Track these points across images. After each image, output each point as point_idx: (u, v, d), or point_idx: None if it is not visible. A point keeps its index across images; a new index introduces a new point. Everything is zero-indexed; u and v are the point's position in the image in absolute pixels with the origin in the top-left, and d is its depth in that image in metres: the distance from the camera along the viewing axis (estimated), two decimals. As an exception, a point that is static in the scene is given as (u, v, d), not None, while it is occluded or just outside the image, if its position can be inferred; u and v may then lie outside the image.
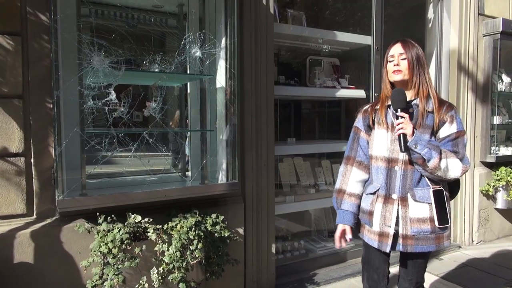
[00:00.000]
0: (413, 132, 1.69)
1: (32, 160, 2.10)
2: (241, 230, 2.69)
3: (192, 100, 2.73)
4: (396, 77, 1.80)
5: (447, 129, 1.74)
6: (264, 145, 2.82)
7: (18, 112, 2.06)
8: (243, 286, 2.75)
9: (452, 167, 1.70)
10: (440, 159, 1.67)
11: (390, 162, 1.79)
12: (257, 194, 2.81)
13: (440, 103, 1.78)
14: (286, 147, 3.29)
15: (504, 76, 4.21)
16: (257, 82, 2.77)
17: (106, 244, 1.98)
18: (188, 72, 2.59)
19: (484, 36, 3.97)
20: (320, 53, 3.78)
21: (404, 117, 1.71)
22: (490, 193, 3.96)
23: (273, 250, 2.91)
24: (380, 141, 1.82)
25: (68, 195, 2.03)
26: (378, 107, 1.87)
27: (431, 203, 1.74)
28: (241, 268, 2.70)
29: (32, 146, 2.09)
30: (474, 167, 3.97)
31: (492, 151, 4.02)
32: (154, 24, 2.54)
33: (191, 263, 2.12)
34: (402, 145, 1.70)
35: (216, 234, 2.32)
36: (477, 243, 4.00)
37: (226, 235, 2.35)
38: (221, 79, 2.56)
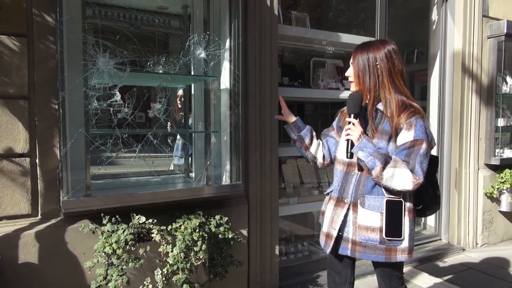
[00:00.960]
0: (359, 138, 1.64)
1: (37, 161, 2.10)
2: (244, 232, 2.69)
3: (196, 101, 2.73)
4: (351, 88, 1.79)
5: (404, 137, 1.62)
6: (267, 147, 2.82)
7: (24, 113, 2.07)
8: (246, 287, 2.75)
9: (399, 178, 1.57)
10: (383, 168, 1.57)
11: (349, 166, 1.77)
12: (260, 196, 2.81)
13: (401, 109, 1.65)
14: (289, 148, 3.28)
15: (508, 78, 4.19)
16: (261, 83, 2.77)
17: (111, 244, 1.98)
18: (193, 73, 2.59)
19: (488, 38, 3.95)
20: (323, 54, 3.78)
21: (353, 123, 1.67)
22: (495, 196, 3.94)
23: (277, 252, 2.90)
24: (342, 144, 1.81)
25: (73, 195, 2.04)
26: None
27: (383, 213, 1.66)
28: (244, 269, 2.70)
29: (37, 147, 2.10)
30: (479, 169, 3.95)
31: (496, 154, 4.00)
32: (158, 26, 2.55)
33: (195, 264, 2.12)
34: (348, 151, 1.68)
35: (220, 236, 2.32)
36: (481, 246, 3.98)
37: (230, 237, 2.35)
38: (225, 81, 2.56)
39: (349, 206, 1.75)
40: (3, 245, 1.99)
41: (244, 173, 2.63)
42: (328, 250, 1.80)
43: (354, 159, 1.72)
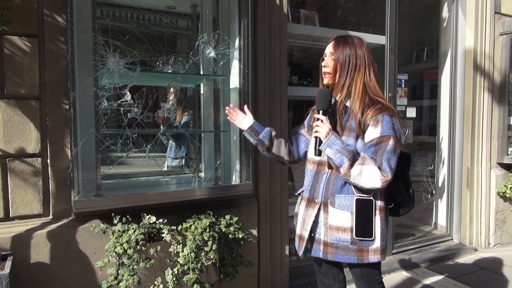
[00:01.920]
0: (327, 135, 1.60)
1: (48, 161, 2.11)
2: (254, 232, 2.68)
3: (205, 101, 2.73)
4: (325, 80, 1.73)
5: (371, 134, 1.58)
6: (277, 146, 2.80)
7: (35, 113, 2.08)
8: (256, 287, 2.74)
9: (367, 175, 1.53)
10: (351, 165, 1.54)
11: (319, 165, 1.73)
12: (270, 195, 2.80)
13: (369, 106, 1.61)
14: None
15: (521, 76, 4.12)
16: (271, 82, 2.76)
17: (121, 244, 1.98)
18: (202, 72, 2.59)
19: (500, 35, 3.89)
20: (333, 53, 3.75)
21: (321, 120, 1.63)
22: (507, 195, 3.88)
23: (287, 252, 2.89)
24: (312, 143, 1.74)
25: (84, 195, 2.04)
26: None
27: (353, 212, 1.61)
28: (254, 269, 2.68)
29: (48, 147, 2.11)
30: (491, 168, 3.90)
31: (509, 152, 3.94)
32: (168, 26, 2.54)
33: (206, 264, 2.11)
34: (316, 148, 1.64)
35: (230, 236, 2.31)
36: (493, 246, 3.93)
37: (240, 237, 2.34)
38: (235, 80, 2.55)
39: (320, 206, 1.70)
40: (16, 244, 2.01)
41: (253, 172, 2.62)
42: (301, 253, 1.75)
43: (324, 158, 1.68)
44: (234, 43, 2.53)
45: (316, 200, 1.71)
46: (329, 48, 1.71)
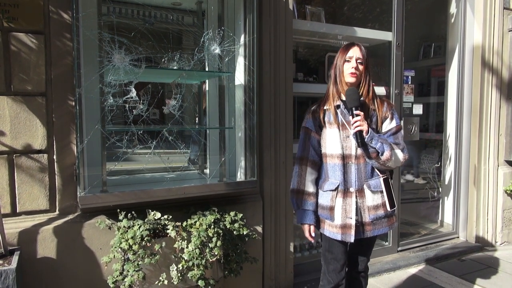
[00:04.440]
0: (368, 128, 1.82)
1: (54, 157, 2.13)
2: (259, 228, 2.68)
3: (210, 98, 2.73)
4: (353, 80, 1.90)
5: (388, 124, 1.94)
6: (282, 143, 2.80)
7: (41, 110, 2.09)
8: (261, 284, 2.75)
9: (397, 158, 1.88)
10: (391, 150, 1.84)
11: (345, 158, 1.91)
12: (275, 192, 2.79)
13: (381, 102, 1.96)
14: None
15: (530, 72, 4.07)
16: (276, 79, 2.75)
17: (127, 240, 2.00)
18: (207, 69, 2.58)
19: (509, 31, 3.83)
20: (338, 49, 3.73)
21: (360, 115, 1.81)
22: (515, 193, 3.85)
23: (291, 249, 2.89)
24: (334, 140, 1.92)
25: (90, 191, 2.06)
26: (326, 107, 1.96)
27: (382, 191, 1.92)
28: (259, 266, 2.69)
29: (54, 143, 2.12)
30: (498, 166, 3.86)
31: (517, 150, 3.90)
32: (173, 22, 2.54)
33: (210, 260, 2.12)
34: (359, 141, 1.81)
35: (234, 232, 2.31)
36: (500, 244, 3.89)
37: (244, 233, 2.34)
38: (240, 76, 2.54)
39: (356, 193, 1.90)
40: (23, 239, 2.03)
41: (258, 169, 2.62)
42: (352, 239, 1.89)
43: (348, 151, 1.90)
44: (240, 39, 2.52)
45: (351, 189, 1.91)
46: (356, 53, 1.91)
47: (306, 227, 1.98)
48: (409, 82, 3.74)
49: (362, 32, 3.38)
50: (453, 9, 3.96)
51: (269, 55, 2.70)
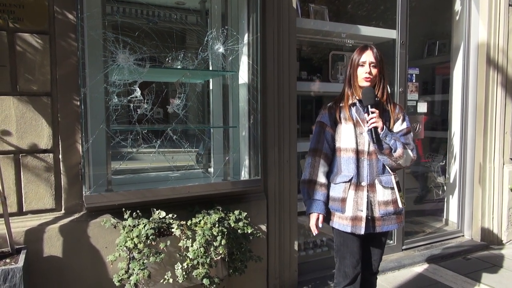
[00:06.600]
0: (383, 126, 1.90)
1: (60, 156, 2.14)
2: (263, 227, 2.69)
3: (214, 97, 2.73)
4: (367, 84, 1.96)
5: (400, 125, 2.01)
6: (286, 142, 2.80)
7: (47, 109, 2.11)
8: (265, 282, 2.75)
9: (407, 157, 1.96)
10: (404, 148, 1.92)
11: (359, 153, 1.97)
12: (279, 191, 2.80)
13: (394, 104, 2.04)
14: (308, 143, 3.24)
15: (536, 70, 4.03)
16: (280, 78, 2.75)
17: (132, 239, 2.01)
18: (211, 68, 2.59)
19: (515, 28, 3.81)
20: (342, 47, 3.72)
21: (375, 113, 1.88)
22: (520, 191, 3.83)
23: (296, 247, 2.89)
24: (349, 135, 1.97)
25: (95, 190, 2.07)
26: (342, 104, 2.02)
27: (393, 187, 1.97)
28: (263, 264, 2.69)
29: (60, 143, 2.14)
30: (504, 164, 3.84)
31: (522, 148, 3.87)
32: (177, 21, 2.55)
33: (215, 259, 2.13)
34: (374, 137, 1.89)
35: (239, 231, 2.32)
36: (506, 243, 3.87)
37: (249, 232, 2.35)
38: (243, 75, 2.55)
39: (367, 188, 1.95)
40: (29, 238, 2.05)
41: (262, 168, 2.62)
42: (362, 231, 1.93)
43: (361, 146, 1.96)
44: (243, 38, 2.52)
45: (363, 183, 1.95)
46: (370, 58, 1.95)
47: (314, 215, 1.97)
48: (414, 80, 3.72)
49: (366, 30, 3.37)
50: (457, 6, 3.94)
51: (272, 54, 2.70)
